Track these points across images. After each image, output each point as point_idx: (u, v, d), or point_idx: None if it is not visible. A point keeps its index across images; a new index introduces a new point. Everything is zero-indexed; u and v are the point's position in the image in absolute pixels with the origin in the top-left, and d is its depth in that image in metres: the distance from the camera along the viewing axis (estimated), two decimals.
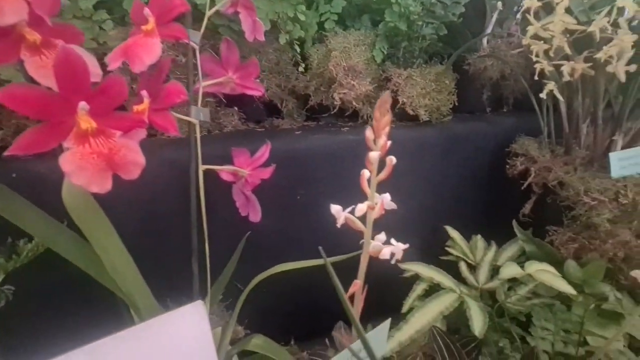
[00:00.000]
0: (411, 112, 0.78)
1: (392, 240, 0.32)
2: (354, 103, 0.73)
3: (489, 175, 0.83)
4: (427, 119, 0.80)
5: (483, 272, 0.68)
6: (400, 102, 0.78)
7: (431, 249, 0.78)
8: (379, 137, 0.31)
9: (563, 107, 0.67)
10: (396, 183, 0.79)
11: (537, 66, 0.58)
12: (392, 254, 0.32)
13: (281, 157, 0.68)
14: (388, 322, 0.35)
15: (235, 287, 0.58)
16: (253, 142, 0.57)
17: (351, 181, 0.71)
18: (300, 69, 0.77)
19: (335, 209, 0.32)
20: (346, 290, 0.72)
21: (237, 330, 0.61)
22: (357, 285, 0.34)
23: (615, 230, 0.59)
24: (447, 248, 0.75)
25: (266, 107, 0.81)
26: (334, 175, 0.68)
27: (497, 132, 0.84)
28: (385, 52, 0.81)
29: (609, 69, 0.54)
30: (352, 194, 0.77)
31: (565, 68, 0.55)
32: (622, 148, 0.61)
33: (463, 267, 0.70)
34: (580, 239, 0.62)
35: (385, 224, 0.81)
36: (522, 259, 0.70)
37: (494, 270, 0.67)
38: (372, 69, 0.80)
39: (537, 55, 0.57)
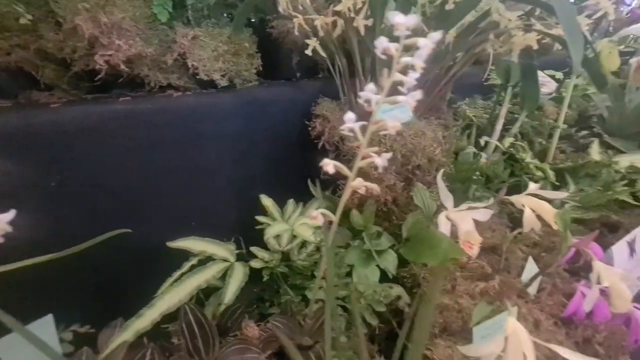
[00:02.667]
0: (205, 77, 0.72)
1: None
2: (123, 66, 0.63)
3: (299, 140, 0.84)
4: (227, 84, 0.75)
5: (286, 235, 0.68)
6: (191, 66, 0.70)
7: (252, 220, 0.75)
8: None
9: (340, 65, 0.69)
10: (198, 156, 0.74)
11: (295, 21, 0.58)
12: None
13: (23, 137, 0.55)
14: (50, 317, 0.29)
15: None
16: None
17: (120, 159, 0.62)
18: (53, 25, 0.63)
19: None
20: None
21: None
22: None
23: (382, 175, 0.64)
24: (257, 217, 0.73)
25: (19, 76, 0.64)
26: (96, 154, 0.58)
27: (305, 97, 0.84)
28: (171, 10, 0.72)
29: (355, 23, 0.56)
30: (123, 173, 0.66)
31: (318, 22, 0.56)
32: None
33: (267, 233, 0.69)
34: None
35: (197, 203, 0.75)
36: None
37: None
38: (159, 29, 0.71)
39: (287, 8, 0.57)
